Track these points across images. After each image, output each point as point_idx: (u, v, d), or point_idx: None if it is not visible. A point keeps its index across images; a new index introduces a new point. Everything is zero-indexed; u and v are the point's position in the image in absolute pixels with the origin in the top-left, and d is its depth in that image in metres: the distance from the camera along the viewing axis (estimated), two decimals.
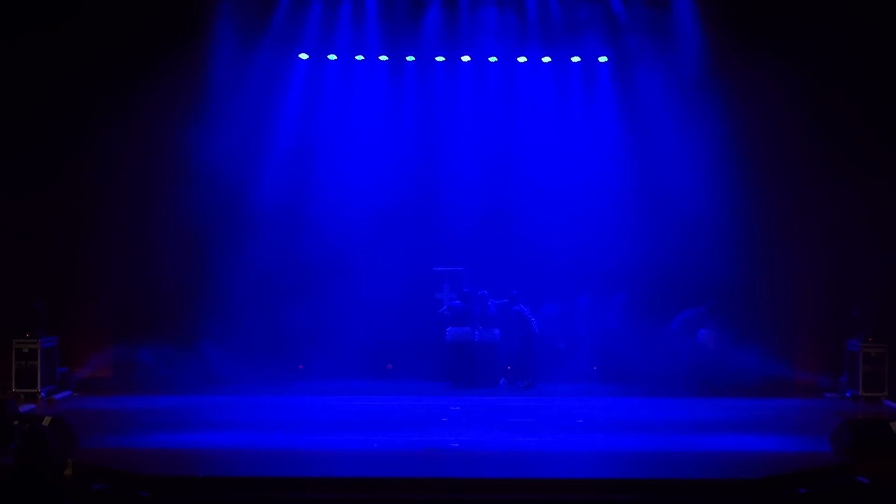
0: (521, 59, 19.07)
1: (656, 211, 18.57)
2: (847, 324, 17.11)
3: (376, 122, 19.14)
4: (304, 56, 18.93)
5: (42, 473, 9.43)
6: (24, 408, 15.14)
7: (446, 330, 17.97)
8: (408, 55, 19.03)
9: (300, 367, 18.60)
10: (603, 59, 18.94)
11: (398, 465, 11.81)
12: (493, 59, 19.07)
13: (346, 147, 19.06)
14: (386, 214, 18.78)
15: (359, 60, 19.11)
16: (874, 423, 12.06)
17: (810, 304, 17.96)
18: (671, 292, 18.16)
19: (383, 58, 19.07)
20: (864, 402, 16.31)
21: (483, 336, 17.83)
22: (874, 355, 16.44)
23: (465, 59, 19.06)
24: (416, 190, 19.07)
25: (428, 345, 18.40)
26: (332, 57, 19.04)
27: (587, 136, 19.04)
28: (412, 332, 18.42)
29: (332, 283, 18.45)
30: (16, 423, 11.86)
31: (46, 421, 11.85)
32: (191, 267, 18.07)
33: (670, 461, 12.01)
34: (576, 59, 19.02)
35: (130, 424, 14.16)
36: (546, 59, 19.06)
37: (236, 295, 17.94)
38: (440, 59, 19.06)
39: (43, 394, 16.43)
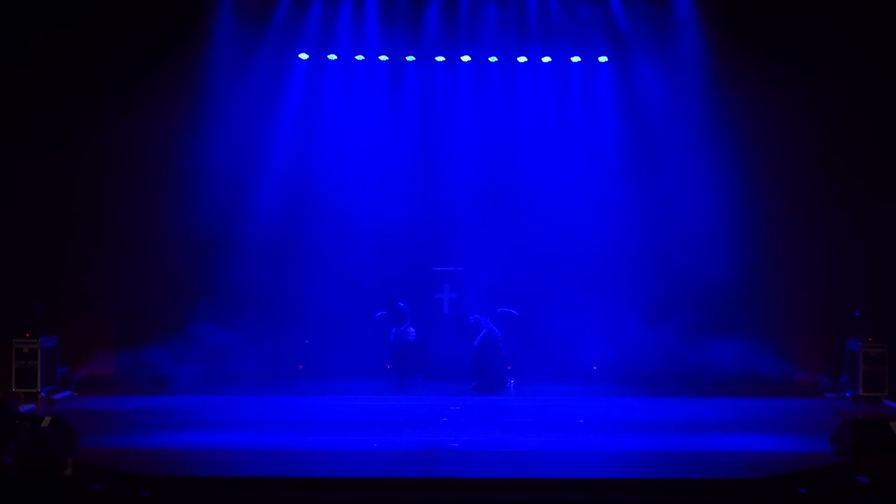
0: (522, 59, 19.07)
1: (657, 211, 18.57)
2: (847, 324, 17.12)
3: (376, 121, 19.14)
4: (304, 56, 18.93)
5: (43, 473, 9.44)
6: (24, 408, 15.13)
7: (391, 330, 17.95)
8: (408, 55, 19.04)
9: (300, 367, 18.60)
10: (603, 59, 18.94)
11: (398, 465, 11.80)
12: (493, 59, 19.07)
13: (345, 147, 19.07)
14: (385, 214, 18.76)
15: (359, 60, 19.12)
16: (874, 423, 12.05)
17: (810, 305, 17.96)
18: (672, 292, 18.16)
19: (383, 58, 19.07)
20: (864, 402, 16.29)
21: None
22: (874, 355, 16.43)
23: (465, 59, 19.06)
24: (416, 189, 19.07)
25: (428, 345, 18.45)
26: (332, 57, 19.05)
27: (587, 136, 19.04)
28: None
29: (331, 283, 18.48)
30: (17, 422, 11.87)
31: (46, 421, 11.87)
32: (190, 267, 18.11)
33: (670, 461, 12.01)
34: (576, 59, 19.02)
35: (130, 424, 14.16)
36: (546, 59, 19.06)
37: (236, 294, 17.95)
38: (440, 59, 19.06)
39: (43, 394, 16.43)
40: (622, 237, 18.59)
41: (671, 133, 18.45)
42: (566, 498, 10.74)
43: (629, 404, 16.09)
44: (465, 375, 17.61)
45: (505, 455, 12.37)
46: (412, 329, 17.90)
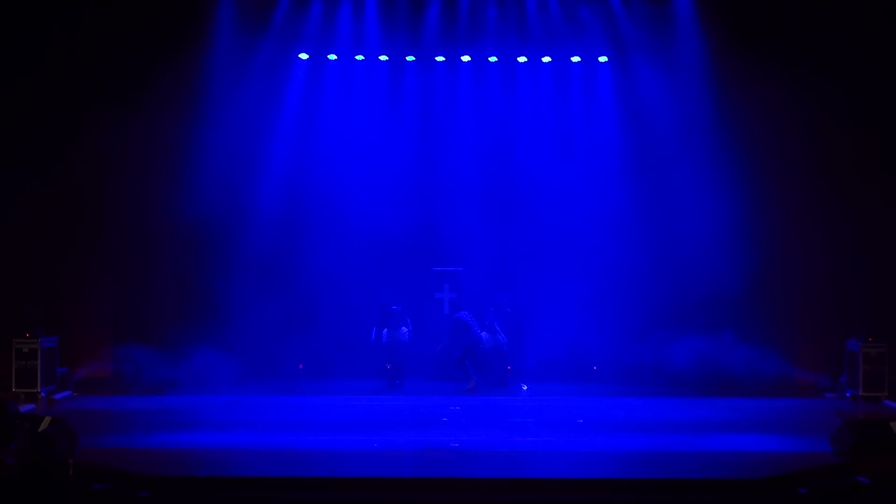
0: (521, 59, 19.08)
1: (657, 211, 18.58)
2: (847, 324, 17.12)
3: (376, 122, 19.15)
4: (304, 56, 18.94)
5: (44, 473, 9.43)
6: (24, 408, 15.15)
7: (382, 332, 17.98)
8: (408, 55, 19.04)
9: (300, 367, 18.60)
10: (603, 59, 18.95)
11: (398, 465, 11.81)
12: (493, 59, 19.08)
13: (345, 147, 19.08)
14: (385, 214, 18.77)
15: (359, 60, 19.12)
16: (874, 423, 12.05)
17: (810, 305, 17.97)
18: (671, 292, 18.16)
19: (383, 58, 19.08)
20: (864, 402, 16.31)
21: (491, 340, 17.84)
22: (874, 355, 16.43)
23: (465, 59, 19.07)
24: (416, 189, 19.08)
25: (428, 345, 18.46)
26: (332, 57, 19.05)
27: (587, 136, 19.05)
28: (414, 332, 18.39)
29: (331, 283, 18.49)
30: (17, 422, 11.87)
31: (46, 421, 11.87)
32: (190, 267, 18.11)
33: (670, 461, 12.01)
34: (576, 59, 19.03)
35: (130, 424, 14.16)
36: (546, 59, 19.07)
37: (236, 294, 17.95)
38: (440, 59, 19.07)
39: (43, 394, 16.43)
40: (622, 237, 18.59)
41: (671, 133, 18.46)
42: (566, 498, 10.74)
43: (629, 404, 16.10)
44: (462, 375, 17.63)
45: (505, 455, 12.37)
46: (405, 329, 17.91)
